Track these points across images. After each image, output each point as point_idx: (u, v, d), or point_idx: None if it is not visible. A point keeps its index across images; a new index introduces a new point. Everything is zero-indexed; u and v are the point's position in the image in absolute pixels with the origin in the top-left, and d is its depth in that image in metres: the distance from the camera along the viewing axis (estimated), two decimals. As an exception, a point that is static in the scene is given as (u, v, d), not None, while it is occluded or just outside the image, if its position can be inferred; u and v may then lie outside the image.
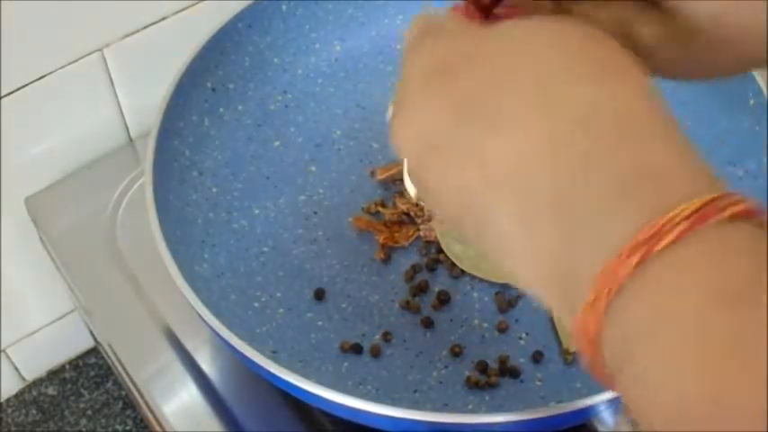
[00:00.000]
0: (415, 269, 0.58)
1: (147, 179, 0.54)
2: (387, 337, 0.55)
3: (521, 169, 0.28)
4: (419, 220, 0.60)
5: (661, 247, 0.25)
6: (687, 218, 0.25)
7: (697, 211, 0.26)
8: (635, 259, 0.25)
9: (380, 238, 0.59)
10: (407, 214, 0.60)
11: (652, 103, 0.29)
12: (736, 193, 0.27)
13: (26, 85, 0.65)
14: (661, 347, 0.25)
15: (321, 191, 0.62)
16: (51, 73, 0.65)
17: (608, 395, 0.45)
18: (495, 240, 0.30)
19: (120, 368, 0.60)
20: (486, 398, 0.52)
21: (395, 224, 0.60)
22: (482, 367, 0.53)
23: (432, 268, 0.58)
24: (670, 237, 0.25)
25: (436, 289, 0.58)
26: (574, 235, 0.27)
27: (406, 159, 0.34)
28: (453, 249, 0.58)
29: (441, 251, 0.59)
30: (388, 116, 0.36)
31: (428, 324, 0.56)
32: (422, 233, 0.59)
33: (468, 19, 0.36)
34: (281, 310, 0.56)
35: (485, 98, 0.30)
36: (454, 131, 0.30)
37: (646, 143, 0.28)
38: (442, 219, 0.33)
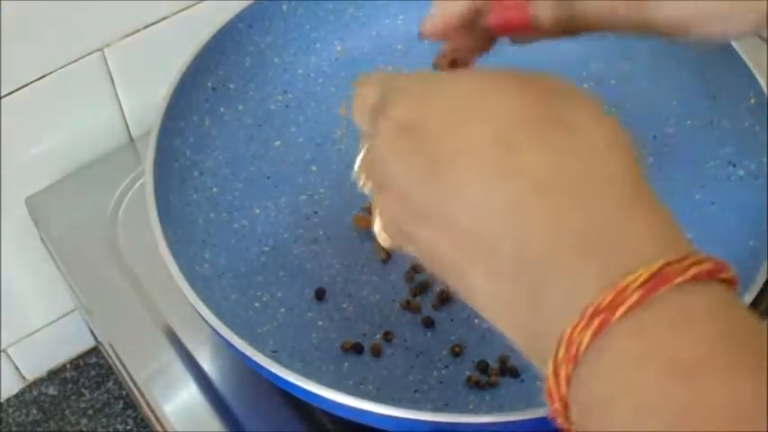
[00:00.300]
0: (415, 269, 0.58)
1: (147, 179, 0.54)
2: (387, 336, 0.55)
3: (483, 233, 0.28)
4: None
5: (619, 315, 0.25)
6: (646, 282, 0.25)
7: (657, 273, 0.25)
8: (592, 328, 0.25)
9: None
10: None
11: (616, 161, 0.28)
12: (701, 253, 0.26)
13: (26, 85, 0.65)
14: (619, 419, 0.24)
15: (322, 190, 0.62)
16: (51, 73, 0.65)
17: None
18: (470, 295, 0.30)
19: (120, 368, 0.60)
20: (487, 398, 0.52)
21: (395, 224, 0.60)
22: (483, 367, 0.53)
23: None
24: (628, 303, 0.25)
25: (437, 289, 0.58)
26: (537, 297, 0.27)
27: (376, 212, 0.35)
28: None
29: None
30: (375, 230, 0.36)
31: (428, 324, 0.56)
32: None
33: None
34: (282, 310, 0.56)
35: (449, 157, 0.30)
36: (424, 192, 0.30)
37: (606, 205, 0.27)
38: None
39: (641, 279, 0.25)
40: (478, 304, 0.30)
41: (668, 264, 0.25)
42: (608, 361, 0.25)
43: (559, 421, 0.27)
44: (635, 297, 0.25)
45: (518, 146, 0.28)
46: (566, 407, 0.26)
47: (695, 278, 0.25)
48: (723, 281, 0.26)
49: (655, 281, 0.25)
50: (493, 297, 0.29)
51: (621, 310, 0.25)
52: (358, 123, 0.35)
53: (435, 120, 0.31)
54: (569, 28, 0.38)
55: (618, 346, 0.25)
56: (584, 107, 0.30)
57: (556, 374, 0.26)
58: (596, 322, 0.25)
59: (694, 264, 0.25)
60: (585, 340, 0.25)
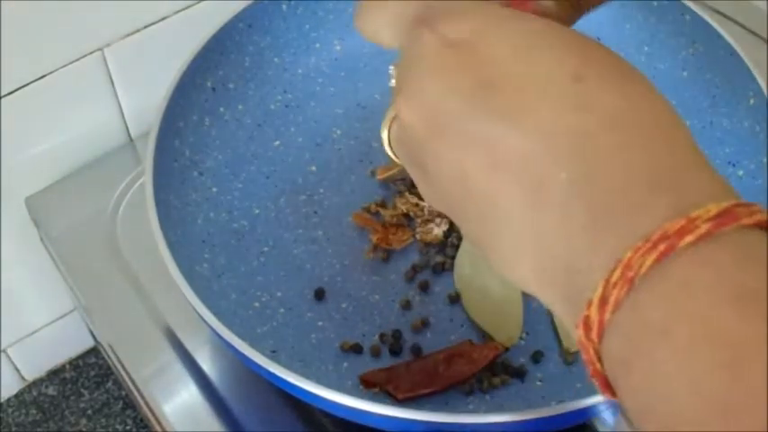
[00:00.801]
0: (415, 269, 0.58)
1: (147, 179, 0.54)
2: (386, 337, 0.55)
3: (540, 157, 0.27)
4: (418, 221, 0.60)
5: (686, 242, 0.25)
6: (716, 216, 0.25)
7: (727, 211, 0.25)
8: (657, 252, 0.25)
9: (374, 238, 0.59)
10: (407, 215, 0.60)
11: (672, 113, 0.29)
12: (758, 204, 0.26)
13: (26, 85, 0.65)
14: (675, 345, 0.24)
15: (321, 191, 0.62)
16: (51, 73, 0.65)
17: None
18: (495, 227, 0.29)
19: (120, 368, 0.60)
20: (487, 398, 0.52)
21: (392, 226, 0.60)
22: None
23: (435, 270, 0.58)
24: (696, 233, 0.25)
25: (437, 289, 0.58)
26: (591, 225, 0.26)
27: (393, 130, 0.33)
28: (462, 271, 0.58)
29: (439, 252, 0.59)
30: (383, 135, 0.35)
31: (428, 324, 0.56)
32: (418, 236, 0.59)
33: None
34: (282, 310, 0.56)
35: (510, 81, 0.29)
36: (468, 107, 0.29)
37: (672, 145, 0.28)
38: (433, 201, 0.32)
39: (711, 214, 0.25)
40: (499, 238, 0.29)
41: (737, 205, 0.25)
42: (670, 286, 0.25)
43: (587, 355, 0.26)
44: (704, 228, 0.25)
45: (589, 82, 0.28)
46: (596, 347, 0.26)
47: (758, 224, 0.25)
48: None
49: (724, 218, 0.25)
50: (529, 227, 0.28)
51: (689, 238, 0.24)
52: (381, 30, 0.33)
53: (496, 46, 0.29)
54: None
55: (681, 273, 0.25)
56: (632, 64, 0.30)
57: (603, 300, 0.25)
58: (662, 247, 0.25)
59: (759, 211, 0.25)
60: (648, 262, 0.25)
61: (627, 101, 0.28)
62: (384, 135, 0.36)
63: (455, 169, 0.30)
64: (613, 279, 0.25)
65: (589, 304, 0.26)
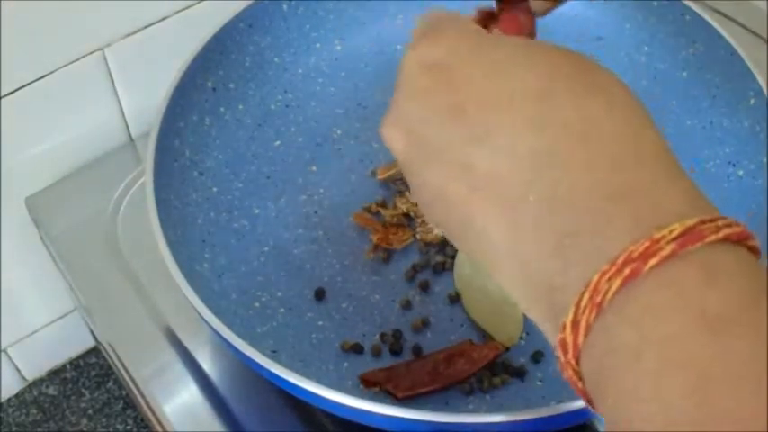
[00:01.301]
0: (415, 269, 0.58)
1: (147, 179, 0.54)
2: (387, 336, 0.55)
3: (508, 178, 0.28)
4: (418, 221, 0.60)
5: (650, 265, 0.25)
6: (680, 236, 0.25)
7: (691, 229, 0.25)
8: (623, 276, 0.25)
9: (374, 238, 0.59)
10: (407, 215, 0.60)
11: (643, 123, 0.29)
12: (729, 217, 0.26)
13: (26, 85, 0.65)
14: (645, 369, 0.24)
15: (321, 190, 0.62)
16: (51, 73, 0.65)
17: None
18: (478, 245, 0.29)
19: (120, 368, 0.60)
20: (487, 398, 0.52)
21: (393, 226, 0.60)
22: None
23: (435, 270, 0.58)
24: (660, 255, 0.25)
25: (437, 289, 0.58)
26: (560, 246, 0.27)
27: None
28: (462, 271, 0.58)
29: (439, 252, 0.59)
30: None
31: (428, 324, 0.56)
32: (418, 235, 0.59)
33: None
34: (282, 310, 0.56)
35: (478, 103, 0.29)
36: (442, 132, 0.30)
37: (640, 161, 0.28)
38: (426, 216, 0.33)
39: (675, 233, 0.25)
40: (485, 254, 0.29)
41: (702, 222, 0.25)
42: (637, 309, 0.25)
43: (568, 374, 0.27)
44: (668, 250, 0.25)
45: (554, 99, 0.29)
46: (578, 361, 0.26)
47: (726, 239, 0.25)
48: (750, 248, 0.26)
49: (688, 236, 0.25)
50: (507, 245, 0.28)
51: (654, 260, 0.24)
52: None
53: (468, 67, 0.31)
54: None
55: (647, 296, 0.25)
56: (609, 73, 0.30)
57: (575, 323, 0.25)
58: (627, 270, 0.25)
59: (727, 225, 0.25)
60: (614, 287, 0.25)
61: (592, 116, 0.28)
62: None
63: (437, 192, 0.30)
64: (582, 303, 0.25)
65: (563, 327, 0.26)
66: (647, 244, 0.25)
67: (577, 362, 0.26)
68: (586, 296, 0.25)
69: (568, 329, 0.26)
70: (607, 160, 0.27)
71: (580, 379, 0.27)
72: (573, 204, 0.27)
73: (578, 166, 0.27)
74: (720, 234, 0.25)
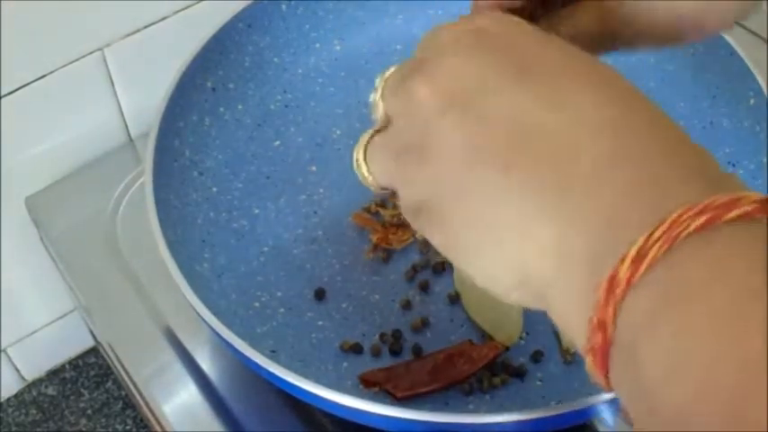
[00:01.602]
0: (415, 269, 0.58)
1: (147, 179, 0.54)
2: (387, 336, 0.55)
3: (573, 131, 0.28)
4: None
5: (732, 216, 0.25)
6: (757, 202, 0.25)
7: (765, 201, 0.25)
8: (705, 217, 0.25)
9: (374, 238, 0.59)
10: (407, 214, 0.60)
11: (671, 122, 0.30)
12: (736, 190, 0.27)
13: (26, 85, 0.65)
14: (711, 305, 0.24)
15: (321, 190, 0.62)
16: (51, 73, 0.65)
17: (608, 395, 0.45)
18: (506, 196, 0.29)
19: (119, 368, 0.60)
20: (487, 398, 0.52)
21: (392, 226, 0.60)
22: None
23: (435, 270, 0.58)
24: (742, 210, 0.25)
25: (437, 289, 0.58)
26: (630, 190, 0.27)
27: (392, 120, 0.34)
28: (463, 272, 0.58)
29: (439, 252, 0.59)
30: (357, 156, 0.36)
31: (428, 324, 0.56)
32: (418, 235, 0.59)
33: None
34: (282, 310, 0.56)
35: (539, 63, 0.30)
36: (498, 86, 0.30)
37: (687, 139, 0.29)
38: (422, 190, 0.33)
39: (753, 198, 0.25)
40: (508, 206, 0.29)
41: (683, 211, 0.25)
42: (712, 251, 0.25)
43: (606, 315, 0.26)
44: (749, 208, 0.25)
45: (608, 72, 0.30)
46: (622, 299, 0.26)
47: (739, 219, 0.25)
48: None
49: (765, 205, 0.25)
50: (556, 193, 0.28)
51: (735, 212, 0.25)
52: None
53: (516, 35, 0.31)
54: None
55: (723, 240, 0.25)
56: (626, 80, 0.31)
57: (640, 255, 0.25)
58: (710, 214, 0.25)
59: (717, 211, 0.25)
60: (695, 224, 0.25)
61: (642, 96, 0.30)
62: (359, 155, 0.36)
63: (471, 141, 0.30)
64: (656, 234, 0.25)
65: (621, 260, 0.25)
66: (729, 198, 0.25)
67: (622, 299, 0.26)
68: (664, 227, 0.25)
69: (627, 263, 0.25)
70: (672, 131, 0.28)
71: (612, 323, 0.26)
72: (647, 157, 0.27)
73: (646, 126, 0.28)
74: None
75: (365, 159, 0.36)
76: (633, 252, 0.25)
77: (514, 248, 0.29)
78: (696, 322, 0.24)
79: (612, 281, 0.25)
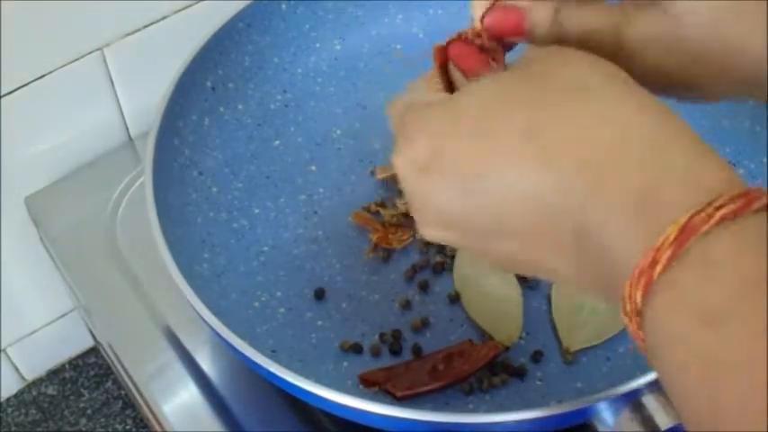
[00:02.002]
0: (415, 269, 0.58)
1: (146, 179, 0.54)
2: (386, 336, 0.55)
3: (615, 148, 0.30)
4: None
5: (656, 274, 0.27)
6: (675, 238, 0.27)
7: (684, 226, 0.27)
8: (641, 287, 0.27)
9: (374, 238, 0.59)
10: (407, 215, 0.60)
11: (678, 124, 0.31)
12: (733, 186, 0.28)
13: (26, 84, 0.65)
14: (674, 361, 0.26)
15: (321, 190, 0.62)
16: (51, 72, 0.65)
17: (608, 395, 0.45)
18: (553, 276, 0.33)
19: (119, 368, 0.60)
20: (486, 398, 0.52)
21: (392, 226, 0.60)
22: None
23: (435, 270, 0.58)
24: (662, 262, 0.27)
25: (437, 289, 0.57)
26: (686, 173, 0.28)
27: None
28: (462, 271, 0.58)
29: (439, 252, 0.59)
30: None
31: (428, 324, 0.56)
32: (417, 235, 0.59)
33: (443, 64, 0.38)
34: (281, 310, 0.56)
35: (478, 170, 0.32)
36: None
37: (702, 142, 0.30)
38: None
39: (671, 237, 0.27)
40: (561, 280, 0.32)
41: (694, 215, 0.27)
42: (655, 312, 0.27)
43: (662, 254, 0.27)
44: (668, 254, 0.27)
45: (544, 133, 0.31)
46: (639, 325, 0.28)
47: (723, 220, 0.27)
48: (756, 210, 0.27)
49: (682, 235, 0.27)
50: (568, 271, 0.31)
51: (658, 269, 0.27)
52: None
53: (462, 140, 0.33)
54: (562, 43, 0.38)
55: (657, 301, 0.27)
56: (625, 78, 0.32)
57: (687, 227, 0.27)
58: (642, 281, 0.27)
59: (718, 208, 0.27)
60: (733, 207, 0.27)
61: (591, 133, 0.31)
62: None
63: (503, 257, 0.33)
64: (702, 214, 0.27)
65: (704, 206, 0.27)
66: (651, 255, 0.27)
67: (684, 244, 0.27)
68: (702, 214, 0.27)
69: (673, 233, 0.27)
70: (688, 135, 0.30)
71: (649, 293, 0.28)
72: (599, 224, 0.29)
73: (593, 187, 0.30)
74: (713, 221, 0.27)
75: None
76: (680, 224, 0.27)
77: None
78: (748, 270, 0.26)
79: (690, 222, 0.27)
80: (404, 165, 0.34)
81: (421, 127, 0.34)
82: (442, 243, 0.36)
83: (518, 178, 0.31)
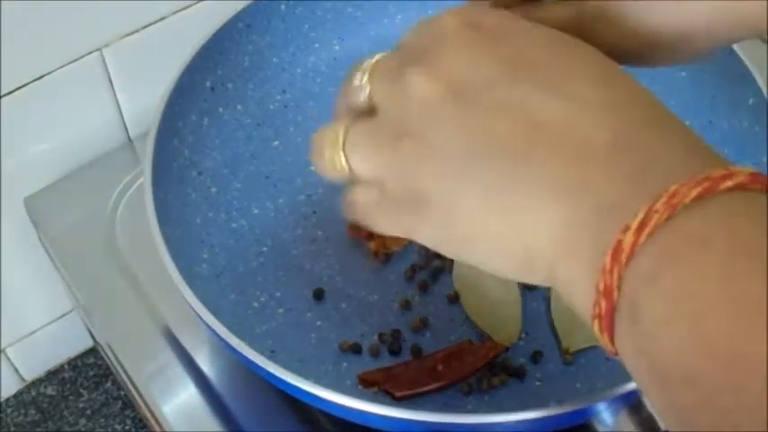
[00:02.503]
0: (414, 269, 0.58)
1: (146, 179, 0.54)
2: (386, 337, 0.55)
3: (579, 121, 0.30)
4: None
5: (726, 186, 0.26)
6: (748, 175, 0.27)
7: (755, 174, 0.27)
8: (701, 188, 0.26)
9: (372, 246, 0.58)
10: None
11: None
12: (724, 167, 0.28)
13: (26, 84, 0.65)
14: (712, 255, 0.25)
15: (320, 190, 0.62)
16: (51, 73, 0.65)
17: (607, 395, 0.45)
18: (519, 184, 0.30)
19: (119, 368, 0.60)
20: (486, 398, 0.52)
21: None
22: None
23: (434, 270, 0.58)
24: (735, 180, 0.26)
25: (436, 289, 0.57)
26: (634, 173, 0.28)
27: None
28: (462, 271, 0.58)
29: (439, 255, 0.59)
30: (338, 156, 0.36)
31: (427, 324, 0.56)
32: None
33: None
34: (281, 310, 0.56)
35: (541, 60, 0.31)
36: (502, 79, 0.31)
37: (685, 126, 0.30)
38: (415, 180, 0.33)
39: (747, 171, 0.27)
40: (518, 192, 0.30)
41: (758, 174, 0.27)
42: (709, 211, 0.26)
43: (611, 280, 0.27)
44: (741, 178, 0.27)
45: (612, 68, 0.32)
46: (627, 264, 0.27)
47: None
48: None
49: (757, 177, 0.27)
50: (566, 178, 0.29)
51: (729, 183, 0.26)
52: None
53: (519, 35, 0.32)
54: None
55: (719, 203, 0.26)
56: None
57: (643, 224, 0.27)
58: (706, 184, 0.26)
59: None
60: (693, 193, 0.26)
61: (640, 87, 0.31)
62: (337, 138, 0.36)
63: (476, 133, 0.30)
64: (657, 206, 0.26)
65: (625, 230, 0.27)
66: (724, 172, 0.27)
67: (626, 263, 0.27)
68: (663, 199, 0.26)
69: (632, 231, 0.27)
70: (667, 120, 0.30)
71: (618, 288, 0.27)
72: (646, 145, 0.29)
73: (645, 119, 0.30)
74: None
75: (343, 147, 0.36)
76: (636, 222, 0.27)
77: (522, 231, 0.30)
78: (695, 269, 0.25)
79: (617, 248, 0.27)
80: (452, 16, 0.33)
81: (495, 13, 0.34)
82: (419, 94, 0.32)
83: (589, 82, 0.31)
